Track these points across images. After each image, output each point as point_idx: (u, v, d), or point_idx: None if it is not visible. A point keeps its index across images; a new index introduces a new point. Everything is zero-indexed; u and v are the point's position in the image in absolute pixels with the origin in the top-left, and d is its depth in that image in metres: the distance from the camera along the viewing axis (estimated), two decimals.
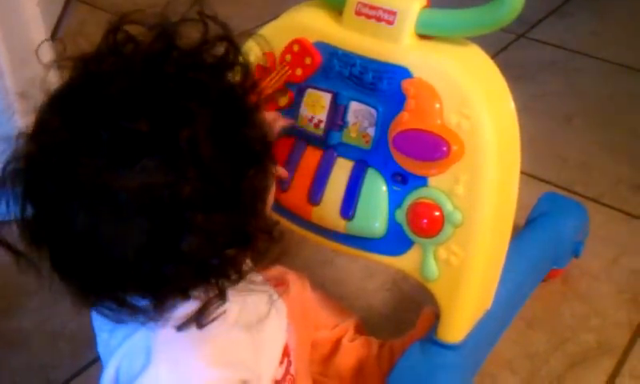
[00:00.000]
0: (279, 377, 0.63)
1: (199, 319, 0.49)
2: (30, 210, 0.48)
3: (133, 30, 0.50)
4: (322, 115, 0.71)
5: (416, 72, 0.67)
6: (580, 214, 0.95)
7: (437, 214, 0.66)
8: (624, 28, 1.66)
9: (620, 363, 0.83)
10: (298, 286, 0.77)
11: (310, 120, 0.72)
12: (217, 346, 0.52)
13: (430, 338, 0.70)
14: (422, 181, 0.67)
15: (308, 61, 0.73)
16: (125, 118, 0.45)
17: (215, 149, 0.47)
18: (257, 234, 0.50)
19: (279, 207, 0.72)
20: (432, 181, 0.67)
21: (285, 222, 0.74)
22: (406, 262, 0.69)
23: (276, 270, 0.75)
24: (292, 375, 0.66)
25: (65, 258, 0.48)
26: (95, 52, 0.50)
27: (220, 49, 0.51)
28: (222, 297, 0.49)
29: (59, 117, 0.47)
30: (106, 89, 0.47)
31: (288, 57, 0.73)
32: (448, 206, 0.66)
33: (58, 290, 0.65)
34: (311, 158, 0.72)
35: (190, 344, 0.51)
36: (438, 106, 0.65)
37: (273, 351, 0.62)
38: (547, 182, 1.14)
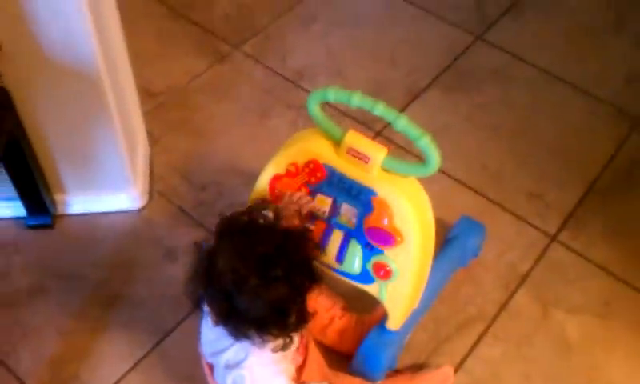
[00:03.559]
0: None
1: (284, 347, 1.10)
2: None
3: None
4: (326, 208, 1.28)
5: (379, 192, 1.22)
6: (481, 231, 1.53)
7: (388, 268, 1.25)
8: (563, 31, 2.12)
9: (487, 328, 1.45)
10: None
11: (319, 210, 1.29)
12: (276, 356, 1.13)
13: (382, 326, 1.31)
14: (380, 251, 1.25)
15: (319, 175, 1.28)
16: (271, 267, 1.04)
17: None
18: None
19: None
20: (386, 251, 1.24)
21: None
22: (371, 288, 1.29)
23: None
24: (304, 344, 1.28)
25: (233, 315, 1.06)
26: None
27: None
28: (292, 341, 1.09)
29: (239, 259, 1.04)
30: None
31: (307, 169, 1.29)
32: (393, 266, 1.24)
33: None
34: (320, 226, 1.30)
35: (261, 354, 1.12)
36: (389, 215, 1.22)
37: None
38: (470, 188, 1.70)
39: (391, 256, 1.24)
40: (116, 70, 1.50)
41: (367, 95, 1.20)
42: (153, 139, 1.80)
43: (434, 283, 1.41)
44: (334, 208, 1.28)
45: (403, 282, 1.25)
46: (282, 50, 2.07)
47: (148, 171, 1.71)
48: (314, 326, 1.37)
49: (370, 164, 1.23)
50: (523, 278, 1.53)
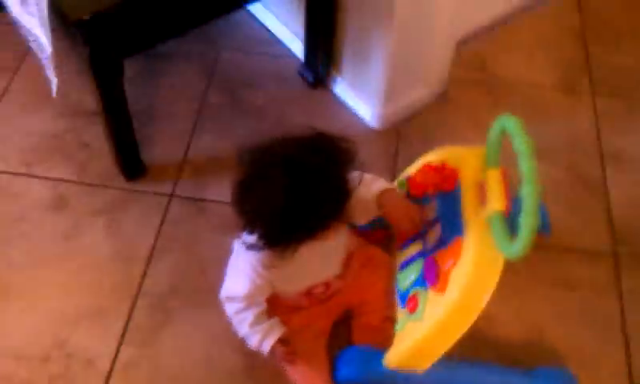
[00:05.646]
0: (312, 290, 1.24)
1: (250, 247, 1.10)
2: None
3: None
4: (430, 218, 1.21)
5: (465, 237, 1.10)
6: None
7: (417, 305, 1.13)
8: None
9: None
10: (382, 266, 1.31)
11: (426, 216, 1.22)
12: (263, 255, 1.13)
13: (381, 352, 1.19)
14: (426, 286, 1.13)
15: (447, 185, 1.19)
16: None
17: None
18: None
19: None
20: (429, 291, 1.12)
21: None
22: (399, 312, 1.19)
23: (377, 250, 1.32)
24: (315, 298, 1.25)
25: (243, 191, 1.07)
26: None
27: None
28: (268, 246, 1.08)
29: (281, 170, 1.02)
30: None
31: (446, 173, 1.21)
32: (421, 306, 1.12)
33: None
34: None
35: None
36: (454, 262, 1.09)
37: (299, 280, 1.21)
38: None
39: (429, 297, 1.12)
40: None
41: (533, 158, 1.05)
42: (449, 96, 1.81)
43: (467, 378, 1.22)
44: (432, 221, 1.19)
45: (418, 328, 1.12)
46: None
47: (404, 111, 1.74)
48: (355, 305, 1.31)
49: (484, 209, 1.10)
50: None
